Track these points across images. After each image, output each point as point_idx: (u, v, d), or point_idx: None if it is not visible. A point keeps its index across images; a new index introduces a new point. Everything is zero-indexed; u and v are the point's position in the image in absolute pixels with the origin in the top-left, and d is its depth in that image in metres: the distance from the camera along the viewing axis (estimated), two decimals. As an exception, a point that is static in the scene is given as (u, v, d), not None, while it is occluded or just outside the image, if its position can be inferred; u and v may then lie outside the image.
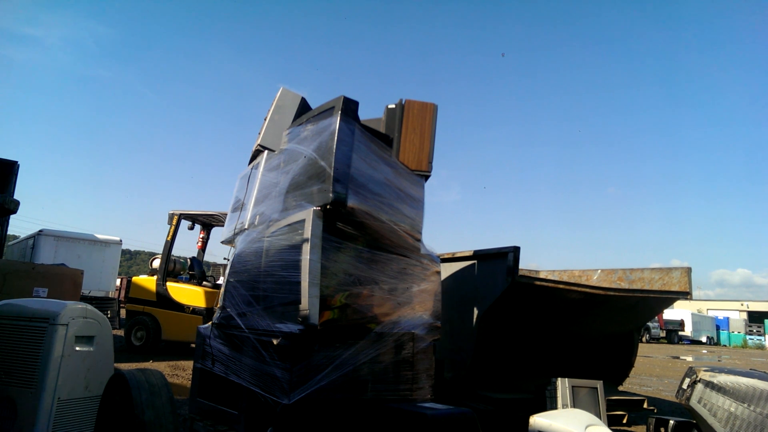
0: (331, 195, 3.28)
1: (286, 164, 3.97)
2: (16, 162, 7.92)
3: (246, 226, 4.18)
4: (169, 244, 10.47)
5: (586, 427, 2.94)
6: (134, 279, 11.17)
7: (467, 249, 5.30)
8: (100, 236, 17.24)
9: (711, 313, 45.15)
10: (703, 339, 38.97)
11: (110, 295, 16.51)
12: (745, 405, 3.23)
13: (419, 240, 3.82)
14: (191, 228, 11.11)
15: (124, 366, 6.80)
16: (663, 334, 36.02)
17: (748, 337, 41.29)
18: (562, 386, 4.24)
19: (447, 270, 5.38)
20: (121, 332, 10.79)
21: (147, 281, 10.50)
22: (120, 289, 19.88)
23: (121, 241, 17.84)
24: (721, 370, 3.47)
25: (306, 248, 3.28)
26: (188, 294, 10.07)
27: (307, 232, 3.32)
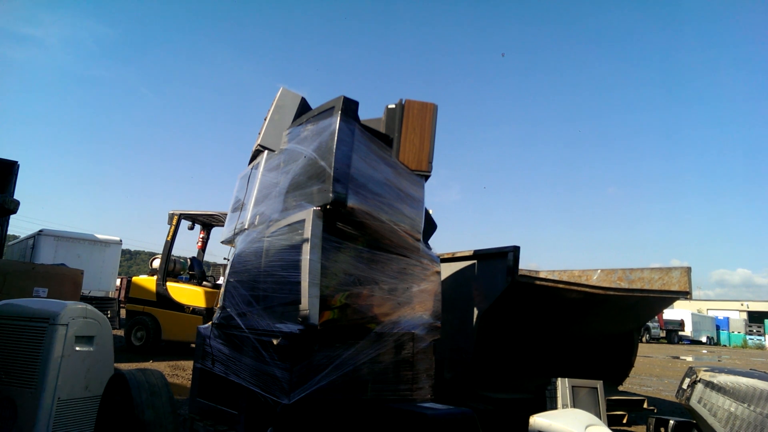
0: (331, 195, 3.28)
1: (286, 164, 3.97)
2: (16, 162, 7.93)
3: (246, 226, 4.18)
4: (169, 244, 10.47)
5: (586, 427, 2.94)
6: (134, 279, 11.17)
7: (467, 249, 5.31)
8: (100, 236, 17.24)
9: (711, 313, 45.16)
10: (703, 339, 38.97)
11: (110, 295, 16.51)
12: (745, 405, 3.23)
13: (419, 240, 3.82)
14: (191, 228, 11.11)
15: (124, 366, 6.80)
16: (663, 334, 36.02)
17: (748, 337, 41.30)
18: (562, 386, 4.24)
19: (447, 270, 5.38)
20: (121, 332, 10.79)
21: (147, 281, 10.50)
22: (120, 289, 19.87)
23: (121, 241, 17.84)
24: (721, 370, 3.47)
25: (306, 248, 3.28)
26: (188, 294, 10.07)
27: (307, 232, 3.32)
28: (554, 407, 4.18)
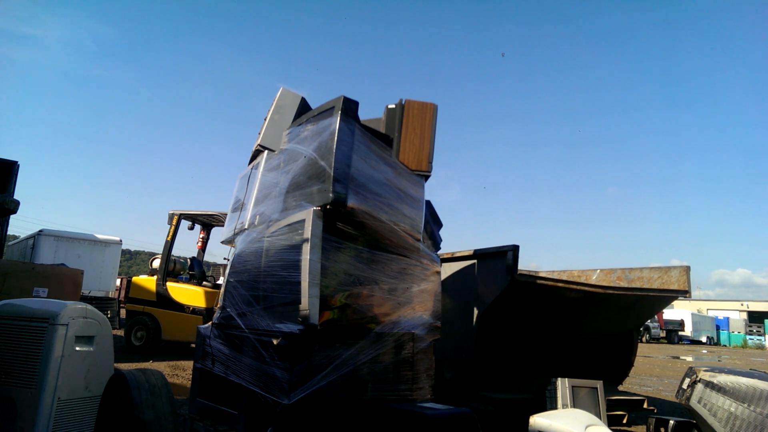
0: (331, 195, 3.28)
1: (286, 164, 3.97)
2: (16, 162, 7.92)
3: (246, 226, 4.18)
4: (169, 244, 10.47)
5: (586, 427, 2.94)
6: (134, 279, 11.16)
7: (467, 249, 5.31)
8: (100, 236, 17.24)
9: (711, 313, 45.14)
10: (703, 339, 38.96)
11: (110, 295, 16.52)
12: (745, 405, 3.23)
13: (419, 240, 3.82)
14: (191, 228, 11.11)
15: (124, 366, 6.80)
16: (663, 334, 36.01)
17: (748, 337, 41.28)
18: (562, 386, 4.24)
19: (447, 270, 5.38)
20: (121, 332, 10.79)
21: (147, 281, 10.50)
22: (120, 289, 19.87)
23: (121, 241, 17.84)
24: (721, 370, 3.47)
25: (306, 248, 3.28)
26: (188, 294, 10.07)
27: (307, 232, 3.32)
28: (554, 407, 4.18)
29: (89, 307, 3.40)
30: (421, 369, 3.59)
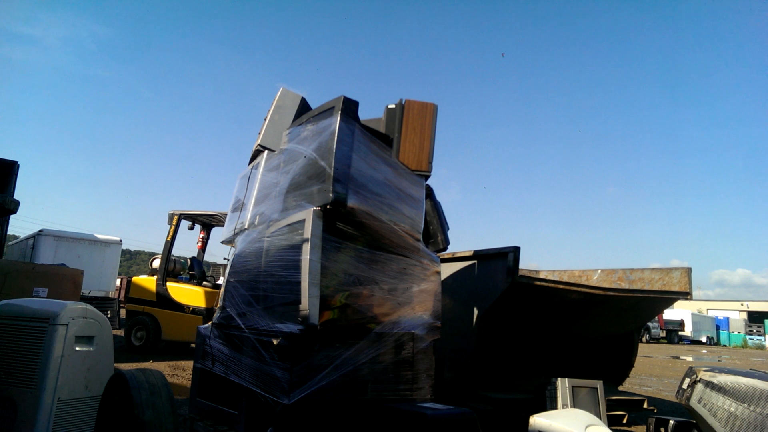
0: (331, 195, 3.28)
1: (286, 164, 3.97)
2: (16, 162, 7.94)
3: (246, 226, 4.18)
4: (169, 244, 10.47)
5: (586, 427, 2.94)
6: (134, 279, 11.17)
7: (467, 249, 5.31)
8: (100, 236, 17.23)
9: (711, 313, 45.15)
10: (703, 339, 38.96)
11: (110, 295, 16.49)
12: (745, 405, 3.23)
13: (419, 240, 3.82)
14: (191, 228, 11.11)
15: (124, 366, 6.80)
16: (663, 334, 36.01)
17: (748, 337, 41.29)
18: (562, 386, 4.24)
19: (447, 270, 5.38)
20: (121, 332, 10.79)
21: (147, 281, 10.50)
22: (120, 289, 19.87)
23: (121, 241, 17.83)
24: (721, 370, 3.47)
25: (306, 248, 3.28)
26: (188, 294, 10.07)
27: (307, 232, 3.32)
28: (554, 407, 4.18)
29: (89, 307, 3.40)
30: (421, 369, 3.59)
